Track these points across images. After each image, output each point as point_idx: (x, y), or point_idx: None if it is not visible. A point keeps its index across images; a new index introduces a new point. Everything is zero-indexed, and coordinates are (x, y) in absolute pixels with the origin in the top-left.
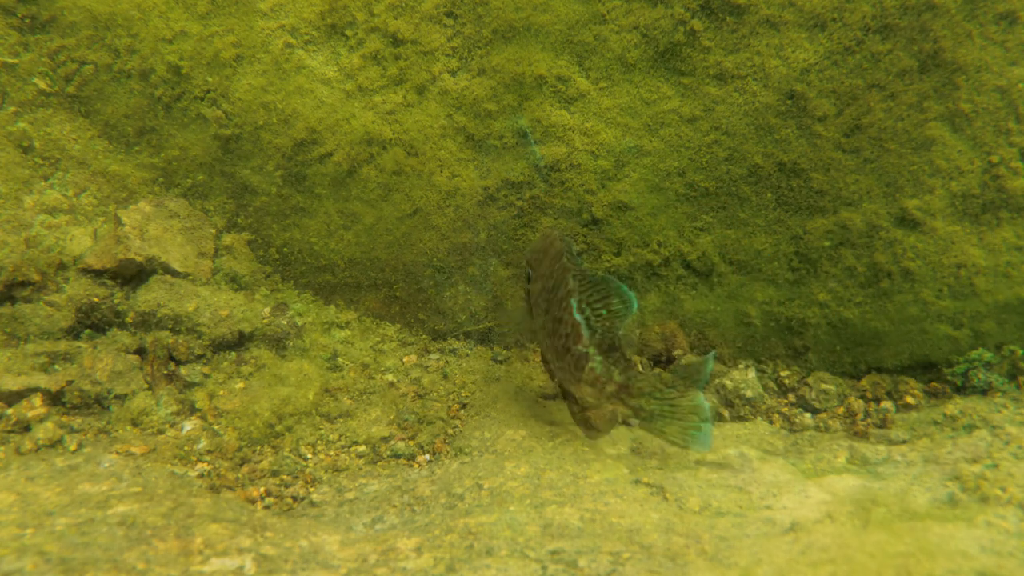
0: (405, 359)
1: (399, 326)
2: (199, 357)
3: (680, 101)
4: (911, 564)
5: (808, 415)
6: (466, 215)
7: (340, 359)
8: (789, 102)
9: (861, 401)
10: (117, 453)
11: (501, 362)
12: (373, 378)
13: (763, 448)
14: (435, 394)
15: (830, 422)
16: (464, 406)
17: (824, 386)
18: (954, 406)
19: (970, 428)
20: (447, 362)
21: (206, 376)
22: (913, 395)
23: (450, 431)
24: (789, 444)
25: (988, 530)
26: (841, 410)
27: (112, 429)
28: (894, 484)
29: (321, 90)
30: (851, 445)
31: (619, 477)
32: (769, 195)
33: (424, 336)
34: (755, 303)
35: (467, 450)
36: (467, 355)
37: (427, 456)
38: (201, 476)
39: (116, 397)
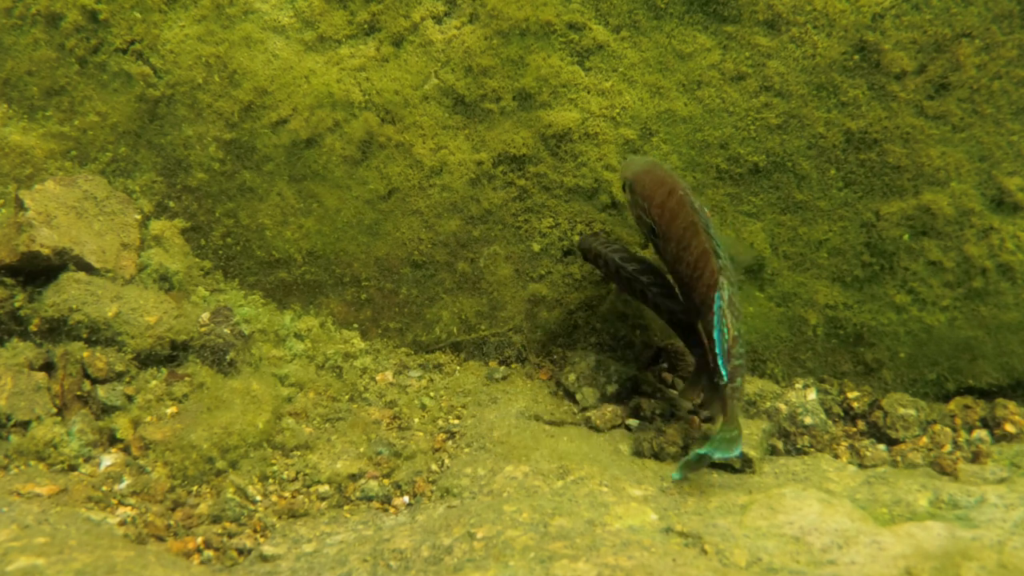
0: (378, 377)
1: (370, 335)
2: (121, 375)
3: (722, 54)
4: None
5: (882, 446)
6: (455, 197)
7: (297, 377)
8: (858, 56)
9: (948, 429)
10: (19, 494)
11: (498, 380)
12: (338, 400)
13: (826, 487)
14: (416, 421)
15: (910, 455)
16: (452, 436)
17: (902, 410)
18: None
19: None
20: (431, 381)
21: (129, 398)
22: (1014, 422)
23: (434, 467)
24: (859, 483)
25: None
26: (923, 440)
27: (12, 464)
28: (990, 534)
29: (274, 41)
30: (936, 484)
31: (646, 524)
32: (833, 172)
33: (402, 348)
34: (816, 307)
35: (456, 491)
36: (455, 372)
37: (406, 498)
38: (124, 523)
39: (17, 424)
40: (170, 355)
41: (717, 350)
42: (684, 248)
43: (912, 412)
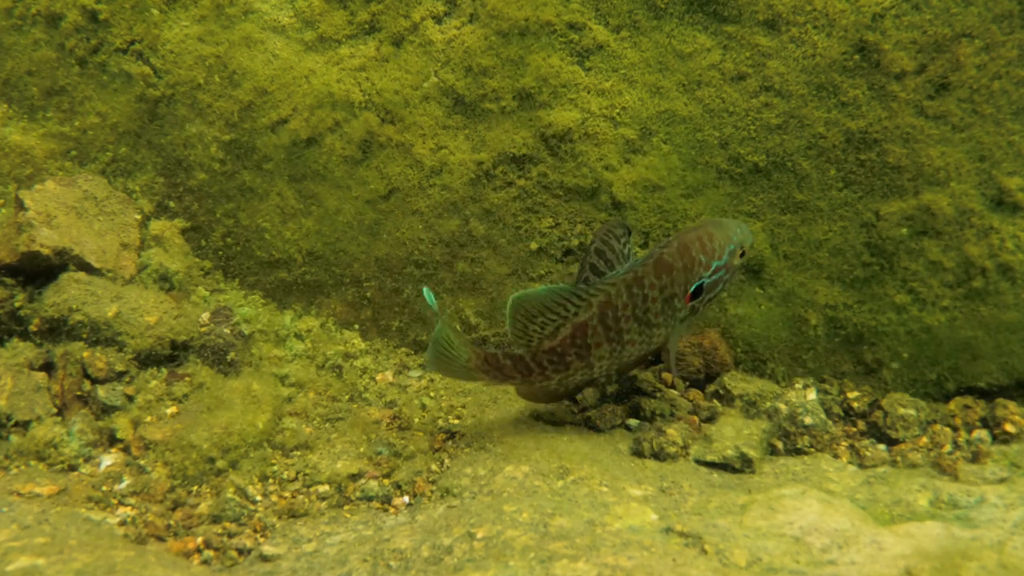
0: (378, 377)
1: (371, 336)
2: (121, 375)
3: (722, 54)
4: None
5: (882, 446)
6: (455, 197)
7: (297, 377)
8: (858, 56)
9: (948, 429)
10: (19, 494)
11: None
12: (338, 400)
13: (825, 488)
14: (416, 421)
15: (910, 455)
16: (452, 436)
17: (902, 411)
18: None
19: None
20: (431, 381)
21: (129, 398)
22: (1013, 422)
23: (434, 467)
24: (859, 483)
25: None
26: (923, 440)
27: (11, 464)
28: (990, 534)
29: (274, 41)
30: (936, 484)
31: (646, 524)
32: (833, 172)
33: (402, 348)
34: (816, 307)
35: (456, 491)
36: None
37: (406, 498)
38: (124, 523)
39: (17, 424)
40: (170, 355)
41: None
42: None
43: (912, 412)
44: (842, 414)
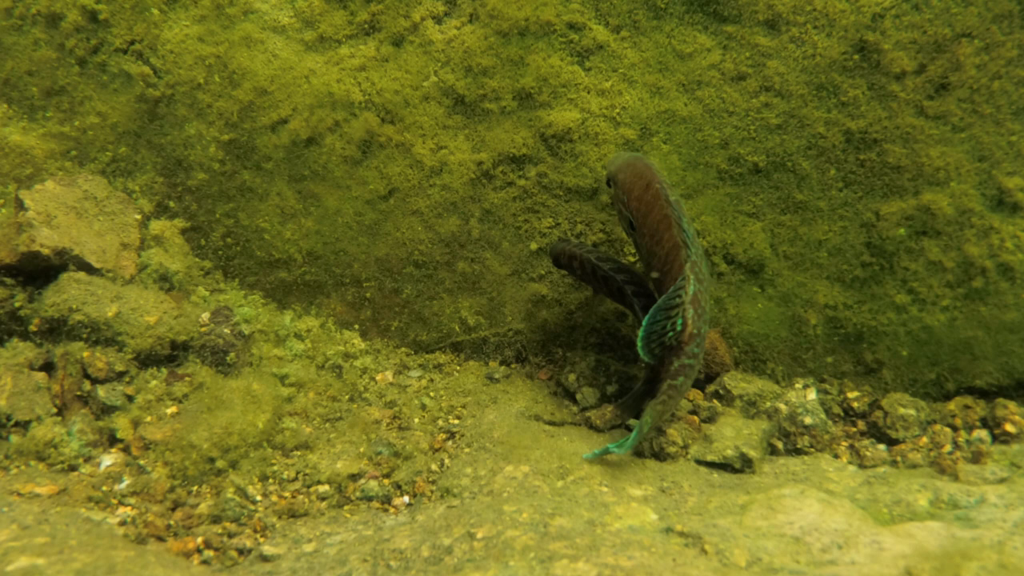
0: (378, 377)
1: (371, 336)
2: (121, 375)
3: (722, 54)
4: None
5: (882, 447)
6: (455, 197)
7: (297, 377)
8: (858, 56)
9: (948, 429)
10: (19, 494)
11: (498, 380)
12: (338, 400)
13: (826, 488)
14: (416, 421)
15: (910, 455)
16: (452, 436)
17: (902, 411)
18: None
19: None
20: (431, 381)
21: (129, 398)
22: (1014, 422)
23: (434, 467)
24: (859, 483)
25: None
26: (923, 440)
27: (11, 464)
28: (990, 534)
29: (274, 41)
30: (936, 484)
31: (646, 524)
32: (833, 172)
33: (402, 348)
34: (816, 307)
35: (456, 491)
36: (455, 372)
37: (406, 498)
38: (124, 523)
39: (17, 424)
40: (170, 355)
41: (667, 340)
42: (656, 242)
43: (912, 412)
44: (842, 414)
